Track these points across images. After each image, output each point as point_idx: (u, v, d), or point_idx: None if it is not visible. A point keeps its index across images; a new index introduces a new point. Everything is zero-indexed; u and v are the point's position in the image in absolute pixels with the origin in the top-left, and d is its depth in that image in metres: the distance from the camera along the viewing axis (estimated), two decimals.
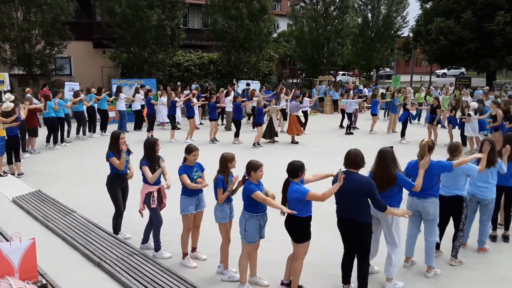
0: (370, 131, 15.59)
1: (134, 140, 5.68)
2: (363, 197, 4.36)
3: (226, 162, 4.92)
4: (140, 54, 20.02)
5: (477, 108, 11.94)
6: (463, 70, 40.97)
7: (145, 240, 5.83)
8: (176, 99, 14.33)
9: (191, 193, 5.19)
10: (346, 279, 4.71)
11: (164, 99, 15.47)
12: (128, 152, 5.96)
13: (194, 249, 5.56)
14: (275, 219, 4.74)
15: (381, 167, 4.70)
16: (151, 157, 5.43)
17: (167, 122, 16.03)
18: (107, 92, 15.04)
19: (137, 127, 15.48)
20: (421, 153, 4.99)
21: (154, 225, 5.54)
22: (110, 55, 21.62)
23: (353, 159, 4.43)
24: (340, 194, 4.43)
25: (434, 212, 5.00)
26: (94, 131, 14.19)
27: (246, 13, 21.50)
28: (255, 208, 4.55)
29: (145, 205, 5.51)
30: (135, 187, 5.92)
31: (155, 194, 5.43)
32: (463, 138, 12.34)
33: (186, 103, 14.14)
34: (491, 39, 25.52)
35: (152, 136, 13.50)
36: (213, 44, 24.13)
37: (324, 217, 5.91)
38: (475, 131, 11.72)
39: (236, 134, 13.44)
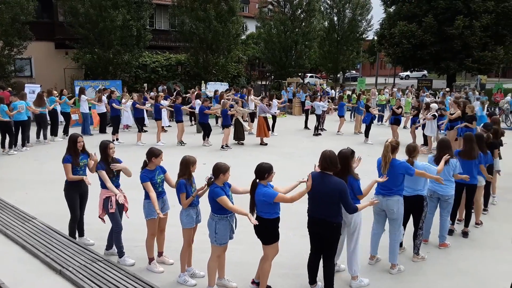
0: (337, 132, 15.87)
1: (97, 143, 5.54)
2: (337, 198, 4.41)
3: (188, 165, 4.85)
4: (105, 55, 19.54)
5: (437, 109, 12.39)
6: (425, 72, 42.43)
7: (109, 246, 5.67)
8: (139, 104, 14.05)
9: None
10: (312, 280, 4.76)
11: (127, 101, 15.14)
12: (87, 155, 5.78)
13: (160, 254, 5.47)
14: (245, 221, 4.73)
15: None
16: (106, 160, 5.32)
17: (129, 126, 15.73)
18: (69, 95, 14.53)
19: (102, 130, 15.07)
20: (384, 153, 5.12)
21: (114, 231, 5.40)
22: (73, 56, 20.95)
23: (328, 161, 4.45)
24: (314, 195, 4.48)
25: (398, 210, 5.13)
26: (56, 135, 13.71)
27: (214, 14, 21.40)
28: (223, 210, 4.52)
29: (104, 210, 5.36)
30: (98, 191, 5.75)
31: (113, 198, 5.29)
32: (424, 137, 12.80)
33: (155, 104, 13.90)
34: (451, 42, 26.58)
35: (117, 139, 13.23)
36: (181, 45, 23.87)
37: (293, 217, 5.97)
38: (434, 131, 12.17)
39: (204, 137, 13.34)
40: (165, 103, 14.92)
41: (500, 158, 7.81)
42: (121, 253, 5.40)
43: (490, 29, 26.14)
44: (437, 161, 5.81)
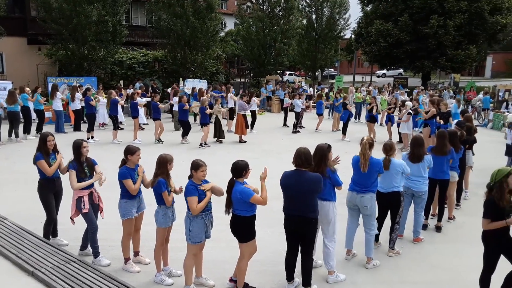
0: (316, 129, 16.00)
1: (71, 142, 5.41)
2: (314, 193, 4.45)
3: (165, 163, 4.79)
4: (79, 51, 19.09)
5: (412, 107, 12.64)
6: (401, 70, 43.22)
7: (83, 246, 5.55)
8: (118, 98, 13.80)
9: (132, 196, 5.02)
10: (290, 276, 4.79)
11: (102, 98, 14.85)
12: (55, 153, 5.63)
13: (136, 253, 5.39)
14: (223, 219, 4.72)
15: (315, 162, 4.78)
16: (79, 160, 5.20)
17: (105, 124, 15.44)
18: (39, 92, 14.10)
19: (76, 128, 14.72)
20: (362, 151, 5.19)
21: (89, 231, 5.29)
22: (46, 52, 20.37)
23: (303, 157, 4.48)
24: (291, 192, 4.50)
25: (371, 207, 5.21)
26: (28, 133, 13.31)
27: (191, 10, 21.20)
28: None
29: (78, 210, 5.24)
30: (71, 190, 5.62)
31: (86, 198, 5.18)
32: (400, 135, 13.04)
33: (131, 102, 13.69)
34: (426, 41, 27.12)
35: (92, 137, 12.96)
36: (158, 42, 23.56)
37: (270, 215, 5.98)
38: (409, 129, 12.41)
39: (183, 134, 13.22)
40: (142, 100, 14.71)
41: (473, 154, 8.02)
42: (96, 253, 5.29)
43: (463, 28, 26.79)
44: (410, 158, 5.93)
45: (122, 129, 14.25)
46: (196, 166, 4.49)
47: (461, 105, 14.58)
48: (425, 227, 6.53)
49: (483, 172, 9.73)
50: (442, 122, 10.74)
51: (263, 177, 4.47)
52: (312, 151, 4.72)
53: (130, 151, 4.99)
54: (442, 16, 26.40)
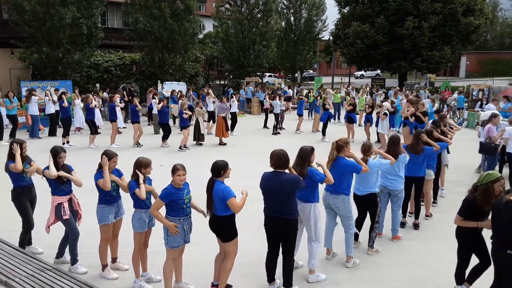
0: (296, 130, 16.08)
1: (46, 147, 5.27)
2: (293, 195, 4.47)
3: (139, 167, 4.72)
4: (53, 54, 18.66)
5: (390, 107, 12.85)
6: (378, 71, 43.92)
7: (60, 254, 5.42)
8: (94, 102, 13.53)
9: (110, 201, 4.93)
10: (271, 277, 4.77)
11: (78, 101, 14.56)
12: (26, 162, 5.47)
13: (114, 260, 5.29)
14: (204, 223, 4.66)
15: (297, 163, 4.82)
16: (56, 167, 5.05)
17: (81, 129, 15.14)
18: (11, 97, 13.69)
19: (52, 132, 14.37)
20: (330, 151, 5.26)
21: (70, 238, 5.16)
22: (19, 55, 19.81)
23: (278, 159, 4.49)
24: (270, 194, 4.51)
25: (344, 208, 5.24)
26: (1, 139, 12.92)
27: (169, 13, 21.02)
28: (176, 212, 4.43)
29: (57, 218, 5.10)
30: (48, 198, 5.47)
31: (66, 204, 5.06)
32: (378, 134, 13.23)
33: (110, 105, 13.44)
34: (402, 42, 27.66)
35: (68, 142, 12.68)
36: (135, 44, 23.27)
37: (251, 217, 5.96)
38: (386, 129, 12.60)
39: (164, 137, 13.08)
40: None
41: (448, 152, 8.19)
42: (74, 261, 5.18)
43: (438, 29, 27.44)
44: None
45: (99, 133, 13.98)
46: (172, 170, 4.45)
47: (435, 104, 14.89)
48: (403, 225, 6.64)
49: (458, 170, 10.01)
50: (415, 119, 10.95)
51: (245, 194, 4.45)
52: (291, 152, 4.73)
53: (107, 156, 4.89)
54: (417, 17, 26.98)
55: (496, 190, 4.08)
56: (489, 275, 4.24)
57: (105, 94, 17.49)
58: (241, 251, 4.78)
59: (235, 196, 4.30)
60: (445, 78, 35.02)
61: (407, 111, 11.38)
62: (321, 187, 5.11)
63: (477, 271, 4.48)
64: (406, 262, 5.61)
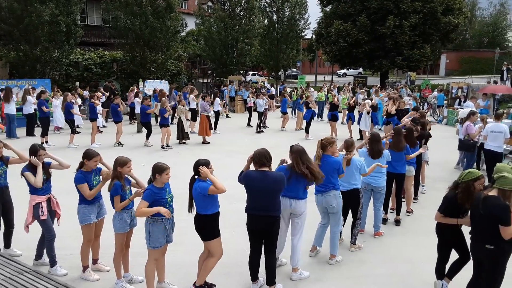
0: (282, 128, 16.10)
1: (25, 147, 5.15)
2: (278, 192, 4.48)
3: (116, 166, 4.64)
4: (32, 52, 18.25)
5: (371, 105, 13.00)
6: (361, 70, 44.36)
7: (38, 256, 5.29)
8: (73, 101, 13.29)
9: (91, 201, 4.84)
10: (254, 276, 4.77)
11: (57, 101, 14.25)
12: (2, 162, 5.33)
13: (95, 261, 5.19)
14: (186, 222, 4.62)
15: (300, 163, 4.75)
16: (34, 166, 4.95)
17: (60, 128, 14.84)
18: None
19: (30, 132, 14.03)
20: (316, 149, 5.28)
21: (46, 239, 5.05)
22: None
23: (262, 158, 4.50)
24: (255, 192, 4.50)
25: (337, 204, 5.28)
26: None
27: (150, 10, 20.78)
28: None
29: (35, 218, 4.98)
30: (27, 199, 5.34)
31: (44, 204, 4.95)
32: (360, 132, 13.37)
33: (89, 104, 13.21)
34: (383, 41, 27.99)
35: (47, 142, 12.40)
36: (116, 42, 22.93)
37: (233, 216, 5.93)
38: (368, 126, 12.75)
39: (147, 136, 12.93)
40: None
41: (428, 149, 8.32)
42: (53, 263, 5.06)
43: (418, 28, 27.85)
44: (370, 154, 6.08)
45: (79, 132, 13.73)
46: (160, 169, 4.37)
47: (417, 102, 15.14)
48: (385, 221, 6.71)
49: (438, 166, 10.19)
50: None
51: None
52: (276, 150, 4.73)
53: (88, 156, 4.80)
54: (398, 16, 27.33)
55: (477, 189, 4.15)
56: (468, 269, 4.32)
57: (86, 93, 17.18)
58: (225, 251, 4.75)
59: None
60: (425, 76, 35.61)
61: (390, 107, 11.54)
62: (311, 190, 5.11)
63: (457, 266, 4.56)
64: (388, 257, 5.68)
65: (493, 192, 3.86)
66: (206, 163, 4.42)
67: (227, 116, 20.00)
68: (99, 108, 13.50)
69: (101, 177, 4.96)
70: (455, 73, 42.81)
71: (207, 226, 4.43)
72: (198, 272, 4.69)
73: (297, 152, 4.79)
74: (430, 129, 8.55)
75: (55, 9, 18.00)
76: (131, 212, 4.76)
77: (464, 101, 17.37)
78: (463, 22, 31.02)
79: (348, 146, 5.69)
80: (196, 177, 4.42)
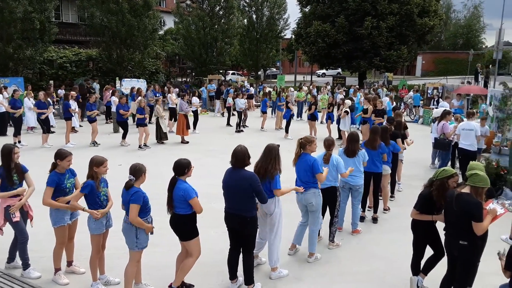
0: (262, 128, 16.11)
1: None
2: (249, 191, 4.43)
3: (92, 165, 4.53)
4: (4, 50, 17.70)
5: (350, 105, 13.14)
6: (339, 70, 44.86)
7: (11, 258, 5.14)
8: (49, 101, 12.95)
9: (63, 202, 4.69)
10: (233, 275, 4.75)
11: (29, 101, 13.85)
12: None
13: (70, 263, 5.08)
14: (163, 223, 4.55)
15: (263, 161, 4.82)
16: (8, 167, 4.78)
17: (34, 128, 14.44)
18: None
19: (2, 132, 13.58)
20: (296, 148, 5.33)
21: (18, 241, 4.90)
22: None
23: (240, 157, 4.48)
24: (229, 191, 4.50)
25: (316, 202, 5.31)
26: None
27: (127, 7, 20.45)
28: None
29: (6, 220, 4.81)
30: None
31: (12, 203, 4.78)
32: (339, 131, 13.50)
33: (64, 103, 12.89)
34: (361, 42, 28.36)
35: (19, 141, 12.06)
36: (92, 40, 22.48)
37: (213, 215, 5.88)
38: (347, 126, 12.90)
39: (123, 136, 12.71)
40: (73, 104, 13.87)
41: (404, 148, 8.47)
42: (26, 265, 4.93)
43: (395, 29, 28.35)
44: (346, 153, 6.14)
45: (53, 132, 13.38)
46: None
47: (393, 102, 15.40)
48: (362, 219, 6.79)
49: (414, 165, 10.39)
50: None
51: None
52: (256, 150, 4.72)
53: (60, 155, 4.67)
54: (375, 18, 27.75)
55: (451, 186, 4.25)
56: (443, 265, 4.41)
57: (60, 91, 16.78)
58: (204, 250, 4.72)
59: (197, 196, 4.22)
60: (402, 77, 36.29)
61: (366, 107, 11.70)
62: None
63: (432, 262, 4.65)
64: (365, 255, 5.75)
65: (466, 190, 3.95)
66: (188, 164, 4.38)
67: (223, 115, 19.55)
68: (74, 106, 13.20)
69: (73, 180, 4.84)
70: (431, 73, 43.84)
71: (187, 226, 4.39)
72: (176, 272, 4.64)
73: (266, 151, 4.83)
74: (406, 128, 8.69)
75: (28, 5, 17.53)
76: (108, 212, 4.67)
77: (438, 101, 17.78)
78: (438, 24, 31.74)
79: (329, 145, 5.75)
80: (177, 177, 4.35)
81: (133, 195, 4.21)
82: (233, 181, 4.45)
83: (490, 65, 30.16)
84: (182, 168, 4.34)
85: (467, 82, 22.78)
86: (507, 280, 3.95)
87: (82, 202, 4.78)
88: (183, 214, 4.33)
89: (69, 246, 5.00)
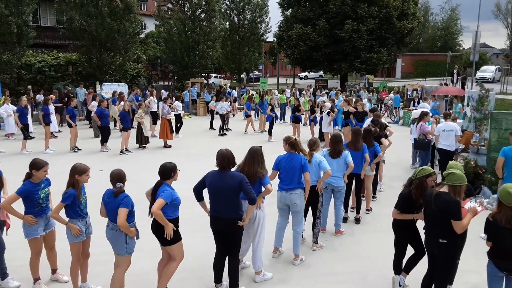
0: (245, 131, 16.10)
1: None
2: (237, 192, 4.43)
3: (73, 174, 4.43)
4: None
5: (330, 107, 13.25)
6: (321, 73, 45.24)
7: None
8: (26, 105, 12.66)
9: (37, 213, 4.57)
10: (218, 278, 4.72)
11: (8, 107, 13.53)
12: None
13: (54, 271, 5.00)
14: (145, 228, 4.49)
15: (250, 163, 4.81)
16: None
17: (12, 134, 14.11)
18: None
19: None
20: (298, 148, 5.36)
21: None
22: None
23: (224, 158, 4.47)
24: (216, 192, 4.47)
25: (300, 203, 5.33)
26: None
27: (107, 11, 20.20)
28: (130, 218, 4.26)
29: None
30: None
31: None
32: (321, 133, 13.59)
33: (43, 108, 12.64)
34: (342, 45, 28.67)
35: None
36: (71, 44, 22.11)
37: (197, 220, 5.85)
38: (329, 128, 12.99)
39: (103, 141, 12.52)
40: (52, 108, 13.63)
41: (390, 142, 8.57)
42: (4, 275, 4.80)
43: (375, 32, 28.78)
44: (331, 154, 6.19)
45: (32, 137, 13.09)
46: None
47: (372, 103, 15.61)
48: (345, 219, 6.85)
49: (395, 165, 10.54)
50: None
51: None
52: (239, 153, 4.71)
53: (36, 165, 4.51)
54: (355, 21, 28.10)
55: (429, 185, 4.32)
56: (424, 264, 4.47)
57: (39, 96, 16.44)
58: (185, 255, 4.67)
59: (167, 203, 4.15)
60: (382, 79, 36.81)
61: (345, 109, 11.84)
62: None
63: (413, 261, 4.71)
64: (348, 255, 5.79)
65: (444, 189, 4.03)
66: (174, 168, 4.34)
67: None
68: (52, 110, 12.97)
69: (47, 190, 4.72)
70: (410, 75, 44.57)
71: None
72: (158, 279, 4.58)
73: (251, 153, 4.84)
74: (386, 128, 8.81)
75: (4, 9, 17.19)
76: (85, 220, 4.59)
77: (419, 102, 18.10)
78: (417, 27, 32.36)
79: (311, 144, 5.79)
80: (162, 181, 4.30)
81: (123, 200, 4.15)
82: (220, 182, 4.42)
83: (467, 67, 30.88)
84: (167, 172, 4.30)
85: (444, 84, 23.25)
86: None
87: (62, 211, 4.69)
88: (167, 219, 4.26)
89: (51, 255, 4.90)
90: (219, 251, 4.68)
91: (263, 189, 4.82)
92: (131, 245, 4.31)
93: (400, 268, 4.75)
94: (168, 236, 4.20)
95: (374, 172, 7.36)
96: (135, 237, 4.33)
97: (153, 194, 4.28)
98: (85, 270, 4.74)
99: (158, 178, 4.35)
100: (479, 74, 30.16)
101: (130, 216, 4.26)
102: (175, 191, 4.29)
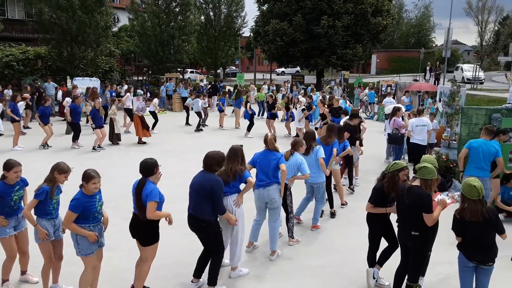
0: (220, 126, 16.00)
1: None
2: (208, 193, 4.38)
3: (54, 170, 4.30)
4: None
5: (306, 104, 13.31)
6: (298, 68, 45.43)
7: None
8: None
9: (8, 214, 4.43)
10: (197, 274, 4.71)
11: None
12: None
13: (23, 272, 4.85)
14: (121, 226, 4.39)
15: (230, 161, 4.79)
16: None
17: None
18: None
19: None
20: (271, 146, 5.35)
21: None
22: None
23: (207, 159, 4.48)
24: (191, 191, 4.47)
25: (278, 198, 5.34)
26: None
27: (78, 4, 19.62)
28: (86, 220, 4.11)
29: None
30: None
31: None
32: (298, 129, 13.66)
33: (11, 104, 12.19)
34: (318, 41, 28.84)
35: None
36: (40, 37, 21.39)
37: (173, 216, 5.75)
38: (302, 123, 13.03)
39: (74, 138, 12.18)
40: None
41: (361, 145, 8.71)
42: None
43: (350, 28, 29.05)
44: (306, 151, 6.20)
45: (1, 135, 12.62)
46: (88, 177, 4.07)
47: (347, 100, 15.81)
48: (321, 213, 6.89)
49: (370, 160, 10.70)
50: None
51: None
52: (211, 148, 4.67)
53: (6, 166, 4.36)
54: (331, 17, 28.30)
55: (401, 179, 4.40)
56: (397, 256, 4.55)
57: (7, 91, 15.87)
58: (164, 253, 4.61)
59: (157, 201, 4.09)
60: (358, 75, 37.33)
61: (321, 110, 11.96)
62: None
63: (387, 253, 4.80)
64: (324, 249, 5.86)
65: (416, 182, 4.11)
66: (155, 164, 4.26)
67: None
68: (21, 104, 12.55)
69: (22, 192, 4.56)
70: (385, 71, 45.39)
71: (148, 231, 4.25)
72: (134, 279, 4.49)
73: (232, 152, 4.85)
74: (360, 123, 8.92)
75: None
76: (55, 221, 4.45)
77: (394, 98, 18.45)
78: (391, 23, 32.85)
79: (293, 144, 5.84)
80: (146, 178, 4.19)
81: (71, 202, 4.05)
82: (198, 182, 4.45)
83: (438, 63, 31.64)
84: (150, 168, 4.19)
85: (414, 80, 23.75)
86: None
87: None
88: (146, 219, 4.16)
89: (23, 259, 4.76)
90: (204, 248, 4.69)
91: (243, 186, 4.82)
92: (85, 247, 4.11)
93: (374, 260, 4.82)
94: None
95: (339, 166, 7.40)
96: (96, 242, 4.16)
97: (138, 193, 4.15)
98: (57, 271, 4.62)
99: (133, 174, 4.23)
100: (467, 74, 30.27)
101: (85, 218, 4.09)
102: (156, 190, 4.17)
